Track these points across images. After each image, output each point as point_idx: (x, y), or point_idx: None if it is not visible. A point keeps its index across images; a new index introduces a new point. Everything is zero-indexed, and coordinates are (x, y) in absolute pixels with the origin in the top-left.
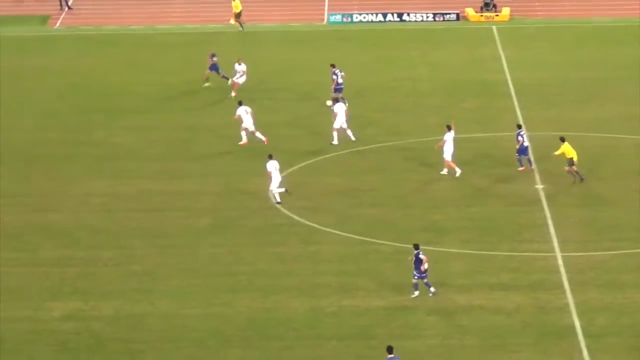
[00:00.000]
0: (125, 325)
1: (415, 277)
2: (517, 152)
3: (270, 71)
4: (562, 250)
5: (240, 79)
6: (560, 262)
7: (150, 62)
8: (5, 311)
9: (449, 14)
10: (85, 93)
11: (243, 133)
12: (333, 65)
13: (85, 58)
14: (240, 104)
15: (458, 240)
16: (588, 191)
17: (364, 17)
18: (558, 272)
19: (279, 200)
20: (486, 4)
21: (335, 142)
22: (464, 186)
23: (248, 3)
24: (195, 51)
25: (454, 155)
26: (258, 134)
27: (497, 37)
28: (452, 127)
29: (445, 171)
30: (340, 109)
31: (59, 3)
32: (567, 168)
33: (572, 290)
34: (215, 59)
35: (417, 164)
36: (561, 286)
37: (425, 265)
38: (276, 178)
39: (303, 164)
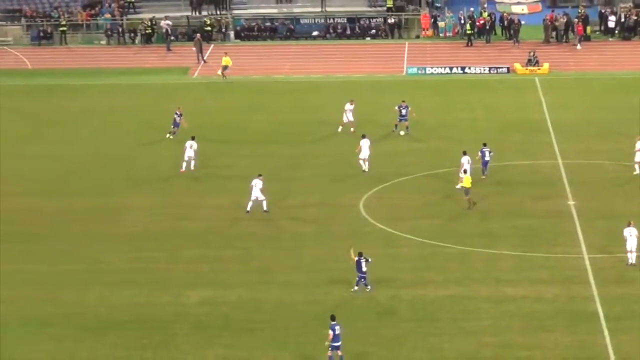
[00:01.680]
0: (246, 308)
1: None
2: (482, 165)
3: (365, 111)
4: (588, 253)
5: (349, 116)
6: (587, 262)
7: (266, 104)
8: (152, 298)
9: (501, 67)
10: (215, 128)
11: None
12: (403, 101)
13: (216, 101)
14: None
15: (507, 244)
16: (608, 206)
17: (435, 70)
18: (585, 269)
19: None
20: (529, 60)
21: (365, 169)
22: (510, 202)
23: (346, 59)
24: (302, 96)
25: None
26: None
27: (539, 86)
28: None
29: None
30: (365, 143)
31: (196, 58)
32: (465, 197)
33: (595, 284)
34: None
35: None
36: (587, 281)
37: (364, 268)
38: None
39: (388, 183)
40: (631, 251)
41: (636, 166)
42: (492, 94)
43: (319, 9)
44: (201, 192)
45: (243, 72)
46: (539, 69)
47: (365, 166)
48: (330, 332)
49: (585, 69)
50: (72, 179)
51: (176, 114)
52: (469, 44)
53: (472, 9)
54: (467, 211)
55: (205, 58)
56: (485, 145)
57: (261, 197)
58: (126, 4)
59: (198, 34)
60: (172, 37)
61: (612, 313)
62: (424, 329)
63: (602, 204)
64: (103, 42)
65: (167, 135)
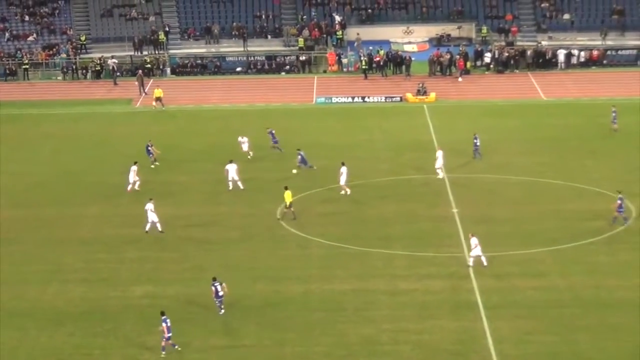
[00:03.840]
0: (182, 301)
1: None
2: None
3: (282, 134)
4: (469, 252)
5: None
6: (468, 259)
7: (198, 129)
8: (99, 292)
9: (395, 97)
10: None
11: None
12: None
13: (156, 126)
14: None
15: (401, 245)
16: (486, 213)
17: (340, 99)
18: (466, 266)
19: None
20: (419, 91)
21: (345, 193)
22: (404, 210)
23: (264, 90)
24: (227, 123)
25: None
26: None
27: (427, 112)
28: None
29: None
30: (344, 170)
31: (138, 90)
32: (285, 210)
33: (475, 278)
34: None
35: (372, 195)
36: (469, 276)
37: (220, 293)
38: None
39: (300, 195)
40: (478, 255)
41: (438, 170)
42: (388, 119)
43: (242, 49)
44: (143, 203)
45: (178, 102)
46: (427, 97)
47: (346, 191)
48: (164, 325)
49: (466, 97)
50: (36, 191)
51: (148, 145)
52: (365, 77)
53: (370, 47)
54: (367, 217)
55: (146, 90)
56: (475, 135)
57: (155, 219)
58: (79, 45)
59: (140, 70)
60: (118, 73)
61: (489, 302)
62: (332, 317)
63: (480, 211)
64: (59, 77)
65: (152, 165)
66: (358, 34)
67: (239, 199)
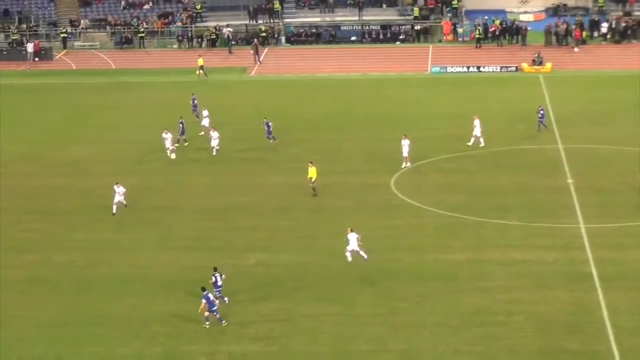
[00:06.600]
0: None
1: (217, 294)
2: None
3: (390, 105)
4: (584, 223)
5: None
6: (583, 231)
7: (312, 98)
8: (213, 261)
9: (510, 66)
10: (269, 118)
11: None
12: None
13: (270, 95)
14: None
15: (516, 216)
16: (602, 184)
17: (455, 69)
18: (582, 237)
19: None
20: (534, 60)
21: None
22: (519, 180)
23: (379, 60)
24: (343, 91)
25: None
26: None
27: (542, 83)
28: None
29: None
30: (405, 143)
31: (253, 59)
32: (310, 184)
33: (590, 249)
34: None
35: (486, 165)
36: (584, 246)
37: (220, 283)
38: None
39: (414, 165)
40: (353, 250)
41: (473, 139)
42: (503, 89)
43: (357, 18)
44: (257, 172)
45: (293, 71)
46: (542, 68)
47: (407, 164)
48: (204, 301)
49: (582, 67)
50: (147, 160)
51: (193, 99)
52: (478, 46)
53: (485, 17)
54: (481, 188)
55: (261, 59)
56: (540, 107)
57: (123, 201)
58: (194, 14)
59: (255, 39)
60: (233, 42)
61: (604, 274)
62: (445, 287)
63: (596, 182)
64: (175, 46)
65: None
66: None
67: (352, 169)
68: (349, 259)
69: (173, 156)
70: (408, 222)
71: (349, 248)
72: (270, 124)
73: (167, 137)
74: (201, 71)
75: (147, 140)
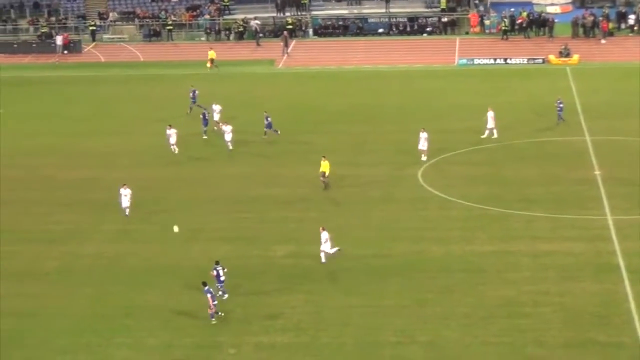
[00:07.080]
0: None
1: (219, 288)
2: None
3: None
4: (611, 215)
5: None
6: (610, 222)
7: (339, 89)
8: (242, 251)
9: (537, 58)
10: (297, 110)
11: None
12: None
13: (298, 87)
14: None
15: (542, 208)
16: (629, 176)
17: (482, 61)
18: (609, 229)
19: None
20: (561, 52)
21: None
22: (545, 172)
23: (406, 52)
24: (370, 83)
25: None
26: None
27: (569, 74)
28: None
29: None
30: (423, 136)
31: (281, 51)
32: (321, 178)
33: (617, 241)
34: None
35: (512, 157)
36: (611, 238)
37: (222, 277)
38: None
39: (440, 157)
40: (324, 251)
41: (486, 132)
42: (530, 80)
43: (384, 10)
44: (286, 163)
45: (320, 63)
46: (570, 59)
47: (424, 156)
48: (209, 296)
49: (609, 59)
50: (179, 150)
51: (193, 91)
52: (505, 38)
53: (512, 9)
54: (507, 179)
55: (288, 51)
56: (559, 99)
57: (127, 204)
58: (222, 7)
59: (285, 31)
60: (261, 34)
61: (632, 266)
62: (472, 278)
63: (623, 174)
64: (203, 38)
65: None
66: None
67: (379, 161)
68: (323, 260)
69: (176, 150)
70: (435, 214)
71: (322, 248)
72: (269, 118)
73: (171, 132)
74: (211, 64)
75: (175, 132)
